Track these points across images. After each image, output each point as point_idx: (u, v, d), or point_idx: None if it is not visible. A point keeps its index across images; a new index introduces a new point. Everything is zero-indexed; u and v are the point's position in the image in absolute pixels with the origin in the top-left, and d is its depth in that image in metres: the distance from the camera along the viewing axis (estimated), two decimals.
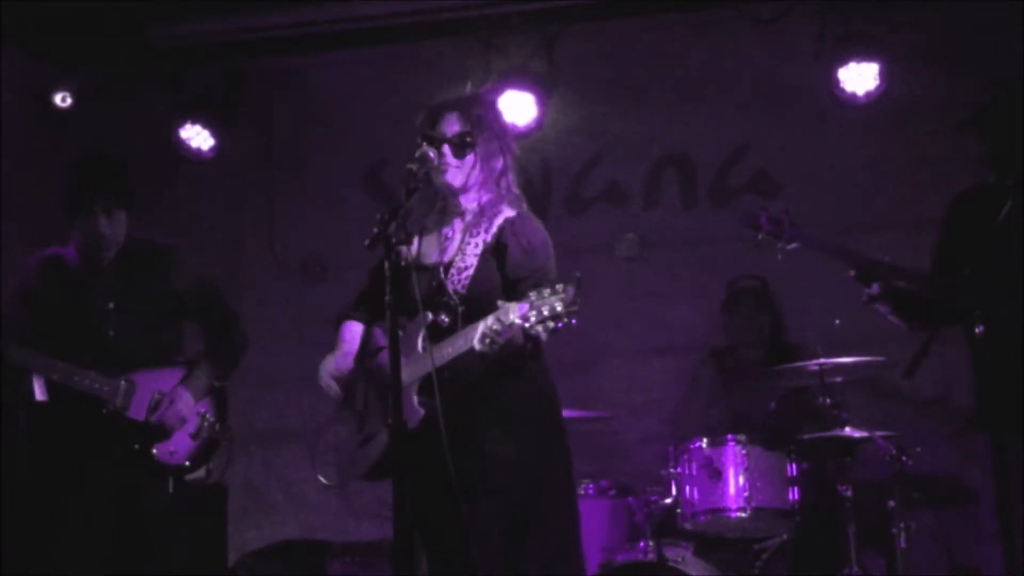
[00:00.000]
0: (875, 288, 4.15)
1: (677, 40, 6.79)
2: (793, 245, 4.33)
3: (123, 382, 4.55)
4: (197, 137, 6.95)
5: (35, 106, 6.90)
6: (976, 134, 4.25)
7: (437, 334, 3.65)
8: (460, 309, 3.71)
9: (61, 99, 6.89)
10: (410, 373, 3.60)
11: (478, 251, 3.79)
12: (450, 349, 3.60)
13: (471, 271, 3.76)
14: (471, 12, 6.60)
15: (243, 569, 6.30)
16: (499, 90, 5.95)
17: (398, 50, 6.80)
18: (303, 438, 4.03)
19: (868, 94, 6.23)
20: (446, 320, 3.71)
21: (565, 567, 3.77)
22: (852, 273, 4.20)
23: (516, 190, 3.93)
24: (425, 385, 3.60)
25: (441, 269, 3.80)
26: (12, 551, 4.82)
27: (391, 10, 6.70)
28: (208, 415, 4.68)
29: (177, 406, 4.57)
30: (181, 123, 6.92)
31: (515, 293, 3.68)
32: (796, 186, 6.44)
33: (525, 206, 3.93)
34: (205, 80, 7.03)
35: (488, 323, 3.44)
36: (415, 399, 3.64)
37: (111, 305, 4.62)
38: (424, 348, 3.62)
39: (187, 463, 4.62)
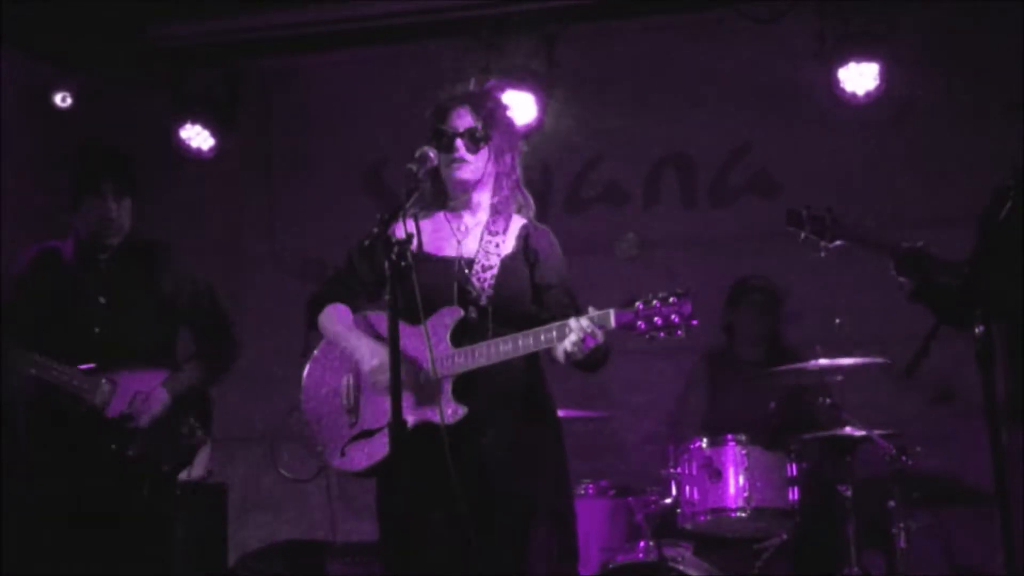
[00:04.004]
0: (910, 284, 4.06)
1: (677, 40, 6.79)
2: (837, 243, 4.30)
3: (104, 380, 4.46)
4: (197, 137, 6.96)
5: (35, 106, 6.91)
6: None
7: (464, 330, 3.62)
8: (489, 308, 3.67)
9: (61, 99, 6.90)
10: (443, 368, 3.56)
11: (500, 252, 3.77)
12: (508, 347, 3.55)
13: (495, 271, 3.73)
14: (471, 12, 6.60)
15: (243, 569, 6.30)
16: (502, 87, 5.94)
17: (398, 50, 6.81)
18: (302, 438, 3.91)
19: (868, 94, 6.23)
20: (474, 316, 3.67)
21: (570, 564, 3.75)
22: (891, 265, 4.10)
23: (526, 191, 3.93)
24: (459, 382, 3.57)
25: (463, 263, 3.74)
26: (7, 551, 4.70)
27: (391, 10, 6.71)
28: (190, 419, 4.60)
29: (150, 404, 4.48)
30: (181, 123, 6.93)
31: (547, 298, 3.77)
32: (796, 186, 6.43)
33: (532, 212, 3.93)
34: (205, 80, 7.03)
35: (584, 325, 3.44)
36: (451, 396, 3.57)
37: (102, 300, 4.55)
38: (450, 344, 3.58)
39: (166, 467, 4.53)
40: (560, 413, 5.29)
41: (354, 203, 6.88)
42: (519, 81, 6.44)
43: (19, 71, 6.75)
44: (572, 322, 3.47)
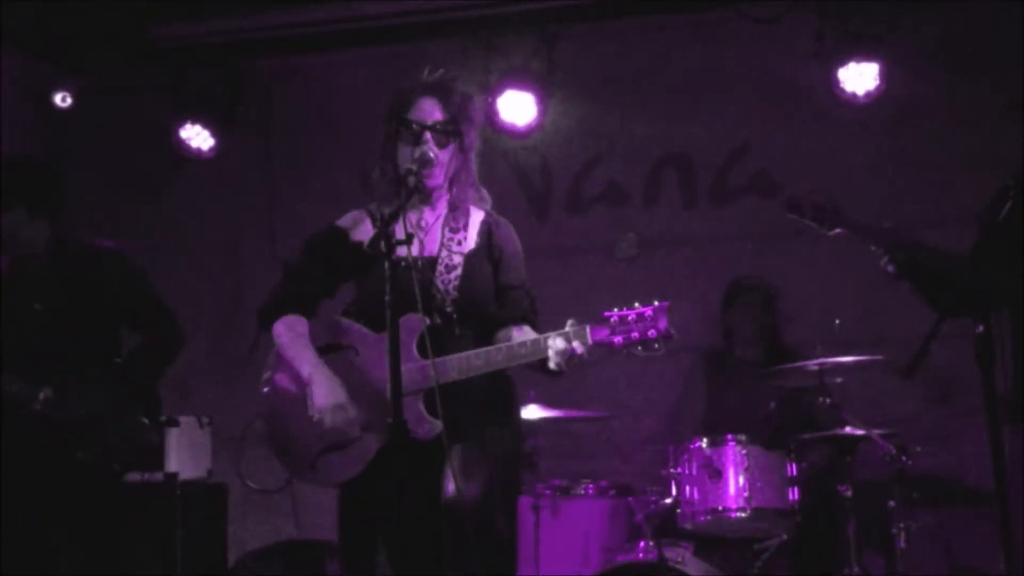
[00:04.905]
0: (891, 266, 4.04)
1: (677, 40, 6.79)
2: (836, 231, 4.28)
3: (45, 384, 4.43)
4: (197, 137, 6.97)
5: (35, 106, 6.91)
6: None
7: (429, 336, 3.46)
8: (453, 312, 3.62)
9: (61, 99, 6.90)
10: (412, 382, 3.44)
11: (463, 250, 3.70)
12: (480, 362, 3.49)
13: (459, 271, 3.66)
14: (471, 12, 6.61)
15: (243, 569, 6.30)
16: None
17: (398, 50, 6.80)
18: (267, 447, 3.88)
19: (868, 94, 6.24)
20: (439, 321, 3.59)
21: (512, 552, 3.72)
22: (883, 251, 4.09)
23: (482, 187, 3.84)
24: (430, 395, 3.44)
25: (426, 264, 3.66)
26: None
27: (391, 10, 6.72)
28: (139, 416, 4.56)
29: (87, 404, 4.46)
30: (181, 123, 6.93)
31: (506, 299, 3.72)
32: (796, 186, 6.39)
33: (489, 204, 3.85)
34: (205, 80, 7.03)
35: (572, 347, 3.39)
36: (424, 412, 3.48)
37: (38, 307, 4.54)
38: (417, 355, 3.49)
39: (117, 466, 4.52)
40: (560, 413, 5.35)
41: (354, 203, 6.82)
42: (519, 81, 6.45)
43: (19, 71, 6.75)
44: (551, 341, 3.42)
